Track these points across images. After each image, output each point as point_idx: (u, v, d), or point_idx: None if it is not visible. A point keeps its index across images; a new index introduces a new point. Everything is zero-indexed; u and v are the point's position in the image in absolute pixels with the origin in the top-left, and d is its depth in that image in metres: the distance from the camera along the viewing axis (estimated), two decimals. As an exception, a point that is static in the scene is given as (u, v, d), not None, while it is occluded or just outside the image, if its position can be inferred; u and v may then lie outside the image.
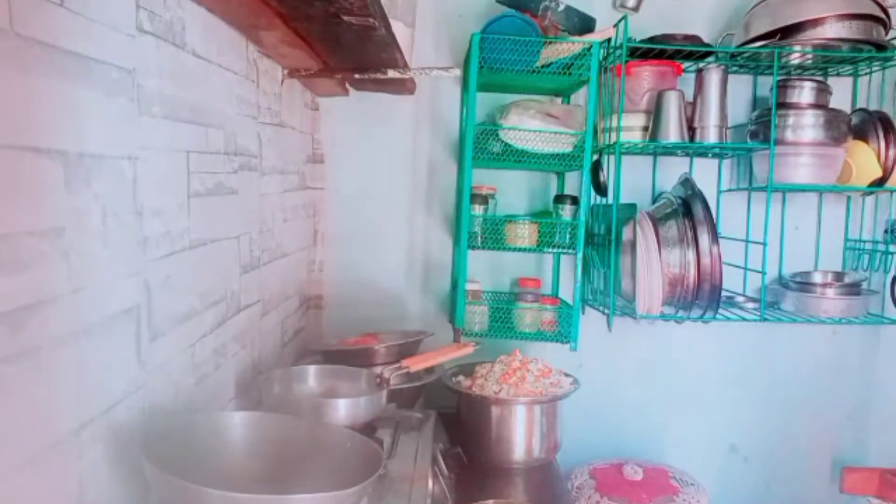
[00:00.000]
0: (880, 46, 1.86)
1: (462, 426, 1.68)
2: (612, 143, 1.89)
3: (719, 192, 2.14)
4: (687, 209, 1.87)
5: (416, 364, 1.42)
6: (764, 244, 1.90)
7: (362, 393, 1.34)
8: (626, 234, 1.86)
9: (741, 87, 2.12)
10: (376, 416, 1.30)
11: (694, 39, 1.92)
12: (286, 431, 1.02)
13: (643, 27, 1.95)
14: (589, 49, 1.83)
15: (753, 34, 1.88)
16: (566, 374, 1.76)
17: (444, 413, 1.63)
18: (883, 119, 1.94)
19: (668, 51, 1.91)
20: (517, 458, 1.67)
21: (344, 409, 1.23)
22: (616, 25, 1.87)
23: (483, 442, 1.65)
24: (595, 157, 1.93)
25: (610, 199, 1.90)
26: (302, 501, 0.82)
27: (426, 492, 1.17)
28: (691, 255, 1.82)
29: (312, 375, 1.42)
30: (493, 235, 1.95)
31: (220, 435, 1.00)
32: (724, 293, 1.88)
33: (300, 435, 1.01)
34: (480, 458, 1.63)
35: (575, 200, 2.00)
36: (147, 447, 0.80)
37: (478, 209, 1.98)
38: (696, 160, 2.13)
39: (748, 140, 1.98)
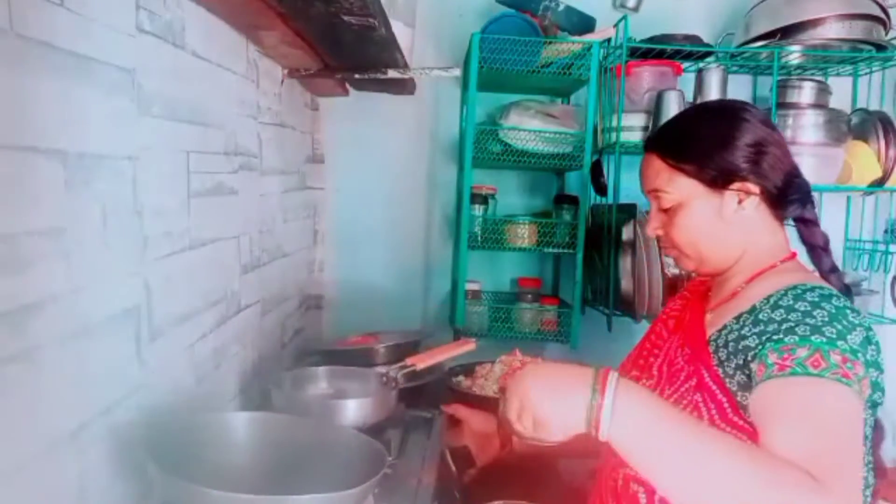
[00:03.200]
0: (880, 46, 1.86)
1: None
2: (612, 143, 1.89)
3: (719, 192, 2.14)
4: (687, 209, 1.87)
5: (421, 362, 1.42)
6: (764, 244, 1.90)
7: (372, 393, 1.34)
8: (626, 234, 1.86)
9: (741, 87, 2.12)
10: (386, 417, 1.30)
11: (694, 39, 1.92)
12: (291, 432, 1.02)
13: (643, 27, 1.95)
14: (589, 49, 1.83)
15: (753, 34, 1.88)
16: (566, 374, 1.75)
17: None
18: (883, 119, 1.94)
19: (668, 51, 1.91)
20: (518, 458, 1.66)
21: (353, 410, 1.23)
22: (616, 25, 1.87)
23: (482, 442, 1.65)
24: (595, 157, 1.93)
25: (610, 199, 1.90)
26: (304, 502, 0.82)
27: (433, 492, 1.17)
28: (691, 255, 1.82)
29: (322, 376, 1.42)
30: (493, 235, 1.95)
31: (225, 435, 1.00)
32: (724, 293, 1.88)
33: (305, 435, 1.01)
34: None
35: (575, 200, 2.00)
36: (151, 447, 0.80)
37: (478, 209, 1.98)
38: (696, 160, 2.13)
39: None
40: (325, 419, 1.16)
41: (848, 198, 2.17)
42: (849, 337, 0.83)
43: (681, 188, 1.01)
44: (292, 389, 1.33)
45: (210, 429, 0.99)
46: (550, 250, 1.98)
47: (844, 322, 0.85)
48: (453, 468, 1.37)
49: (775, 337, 0.85)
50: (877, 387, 0.88)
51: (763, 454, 0.76)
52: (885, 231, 2.14)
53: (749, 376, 0.88)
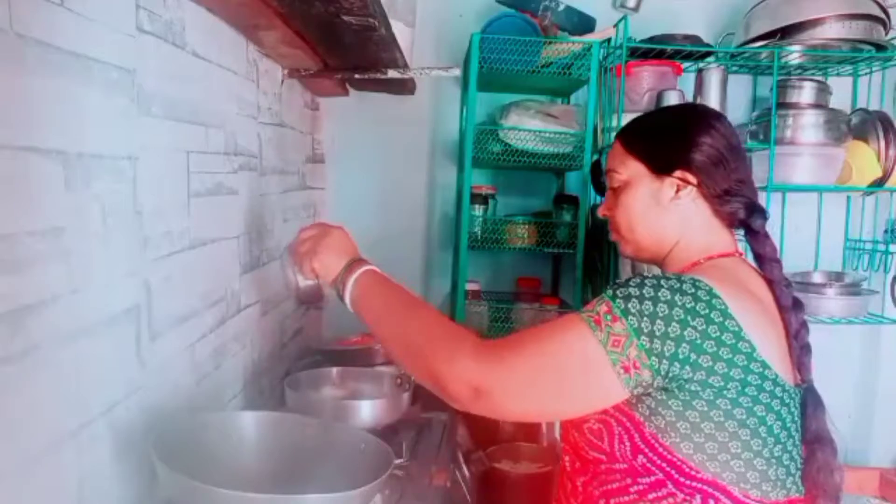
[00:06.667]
0: (880, 46, 1.86)
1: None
2: (612, 143, 1.89)
3: (719, 192, 2.14)
4: (687, 209, 1.87)
5: None
6: (764, 244, 1.90)
7: (385, 395, 1.34)
8: (626, 234, 1.86)
9: (741, 87, 2.12)
10: (399, 418, 1.30)
11: (694, 39, 1.92)
12: (299, 432, 1.02)
13: (643, 27, 1.95)
14: (589, 49, 1.83)
15: (753, 34, 1.88)
16: (566, 374, 1.75)
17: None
18: (883, 119, 1.94)
19: (667, 51, 1.91)
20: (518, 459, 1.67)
21: (366, 411, 1.23)
22: (616, 25, 1.87)
23: (483, 442, 1.66)
24: (595, 157, 1.93)
25: (610, 199, 1.90)
26: (310, 501, 0.82)
27: (444, 493, 1.16)
28: (691, 255, 1.82)
29: (336, 377, 1.42)
30: (493, 235, 1.95)
31: (232, 434, 1.00)
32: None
33: (313, 435, 1.01)
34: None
35: (575, 200, 2.00)
36: (158, 446, 0.80)
37: (478, 209, 1.98)
38: (696, 160, 2.13)
39: (748, 140, 1.98)
40: (333, 419, 1.16)
41: (848, 198, 2.17)
42: (632, 301, 0.87)
43: (629, 169, 1.07)
44: (306, 390, 1.33)
45: (217, 428, 0.99)
46: (550, 250, 1.98)
47: (647, 292, 0.88)
48: (465, 470, 1.37)
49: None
50: (710, 371, 0.85)
51: (447, 323, 0.97)
52: (885, 231, 2.14)
53: None
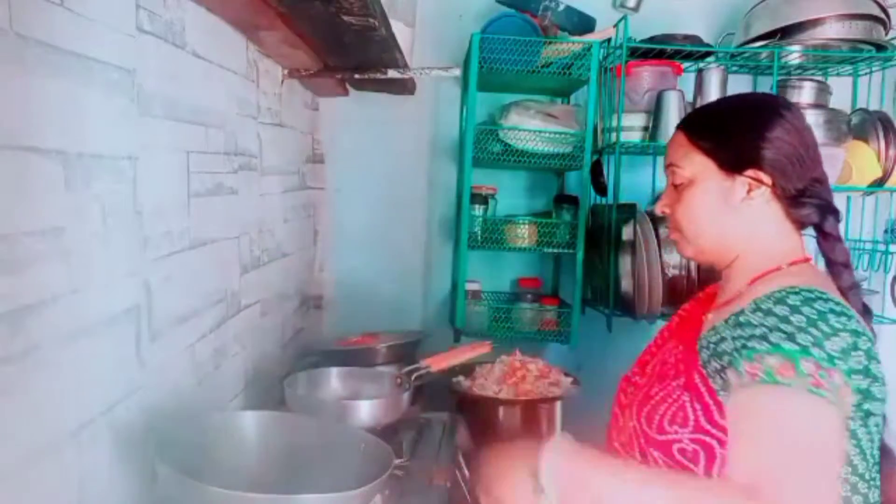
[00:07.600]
0: (880, 46, 1.86)
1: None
2: (612, 143, 1.89)
3: (719, 192, 2.13)
4: (687, 209, 1.86)
5: (437, 364, 1.42)
6: (764, 244, 1.90)
7: (385, 395, 1.34)
8: (626, 234, 1.86)
9: (741, 87, 2.11)
10: (399, 418, 1.30)
11: (694, 39, 1.92)
12: (299, 431, 1.02)
13: (643, 27, 1.95)
14: (589, 49, 1.83)
15: (753, 34, 1.88)
16: (566, 374, 1.75)
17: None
18: (883, 119, 1.93)
19: (667, 51, 1.91)
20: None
21: (366, 411, 1.23)
22: (616, 25, 1.87)
23: (483, 442, 1.65)
24: (595, 157, 1.93)
25: (610, 199, 1.90)
26: (309, 501, 0.82)
27: (445, 493, 1.16)
28: (691, 255, 1.82)
29: (336, 377, 1.42)
30: (493, 235, 1.95)
31: (232, 434, 1.00)
32: (724, 293, 1.88)
33: (313, 435, 1.01)
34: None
35: (575, 200, 2.00)
36: (158, 446, 0.80)
37: (478, 209, 1.98)
38: (696, 160, 2.12)
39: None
40: (333, 419, 1.16)
41: (848, 198, 2.17)
42: (826, 343, 0.80)
43: (694, 165, 0.98)
44: (306, 390, 1.33)
45: (217, 428, 0.99)
46: (550, 250, 1.98)
47: (824, 327, 0.81)
48: (465, 470, 1.37)
49: (749, 344, 0.84)
50: (868, 395, 0.83)
51: (690, 482, 0.83)
52: (885, 231, 2.14)
53: (726, 381, 0.87)
